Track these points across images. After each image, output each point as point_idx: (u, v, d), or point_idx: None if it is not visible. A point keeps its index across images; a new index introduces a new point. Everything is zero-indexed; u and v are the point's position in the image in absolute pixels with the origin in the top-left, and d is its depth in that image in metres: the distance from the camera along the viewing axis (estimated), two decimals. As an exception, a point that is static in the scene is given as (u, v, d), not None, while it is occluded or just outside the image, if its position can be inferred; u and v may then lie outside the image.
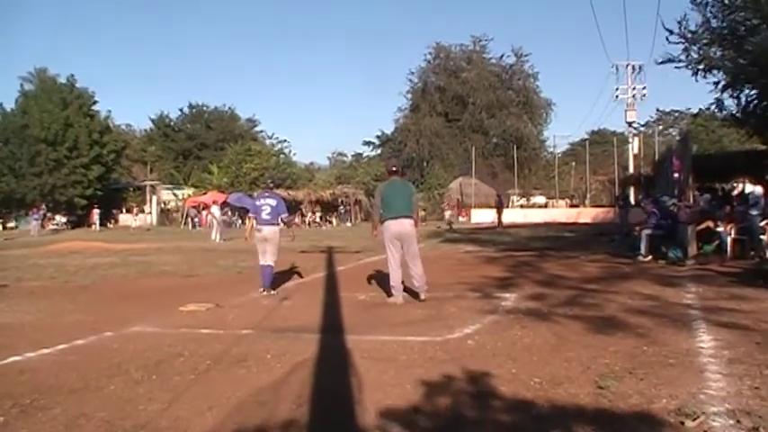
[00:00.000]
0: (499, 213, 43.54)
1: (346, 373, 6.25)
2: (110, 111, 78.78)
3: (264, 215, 12.64)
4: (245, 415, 5.11)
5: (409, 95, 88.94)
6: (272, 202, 12.82)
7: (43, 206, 56.77)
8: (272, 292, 12.38)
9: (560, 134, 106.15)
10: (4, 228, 60.45)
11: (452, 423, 4.84)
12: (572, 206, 66.72)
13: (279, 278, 13.26)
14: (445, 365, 6.37)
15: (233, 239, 31.58)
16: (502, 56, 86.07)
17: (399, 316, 9.61)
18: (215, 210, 37.67)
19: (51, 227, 58.81)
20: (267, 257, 12.57)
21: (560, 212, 59.52)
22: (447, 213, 50.96)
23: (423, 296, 10.83)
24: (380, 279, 13.29)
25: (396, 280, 10.86)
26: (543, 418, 4.85)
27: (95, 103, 69.18)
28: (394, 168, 11.54)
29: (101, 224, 59.39)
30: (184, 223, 60.09)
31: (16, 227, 60.87)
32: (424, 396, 5.40)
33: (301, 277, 14.91)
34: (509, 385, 5.66)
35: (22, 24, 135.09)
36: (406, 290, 11.01)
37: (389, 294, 11.07)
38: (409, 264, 10.85)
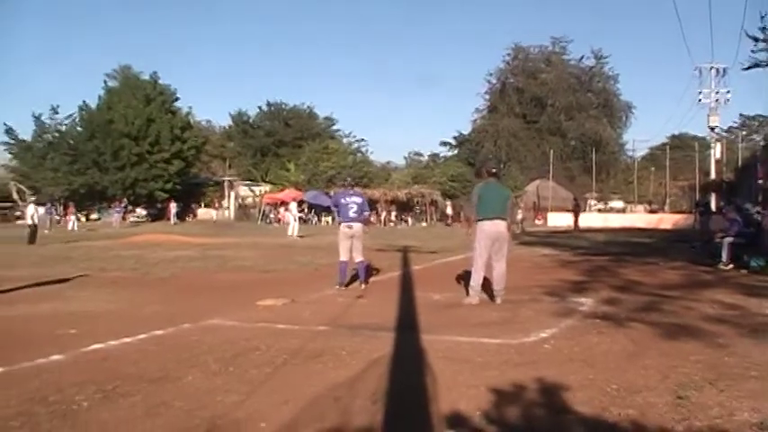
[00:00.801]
0: (576, 217, 43.16)
1: (421, 373, 6.25)
2: (191, 107, 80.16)
3: (351, 213, 12.75)
4: (320, 409, 5.15)
5: (487, 96, 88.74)
6: (358, 200, 12.99)
7: (124, 200, 58.17)
8: (363, 286, 12.83)
9: (640, 138, 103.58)
10: (88, 219, 62.04)
11: (528, 428, 4.79)
12: (651, 212, 65.33)
13: (354, 276, 13.29)
14: (521, 369, 6.33)
15: (311, 236, 31.86)
16: (582, 57, 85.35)
17: (475, 317, 9.56)
18: (292, 206, 37.97)
19: (132, 219, 60.24)
20: (353, 254, 12.81)
21: (638, 217, 58.45)
22: (519, 215, 50.23)
23: (499, 300, 10.78)
24: (456, 280, 13.29)
25: (477, 281, 10.81)
26: (621, 429, 4.76)
27: (177, 99, 70.68)
28: (494, 170, 11.63)
29: (179, 218, 60.54)
30: (261, 219, 60.83)
31: (99, 218, 62.38)
32: (498, 399, 5.36)
33: (376, 273, 14.92)
34: (586, 391, 5.58)
35: (107, 22, 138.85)
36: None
37: (467, 294, 11.03)
38: (494, 265, 10.83)
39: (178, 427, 4.75)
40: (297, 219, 36.21)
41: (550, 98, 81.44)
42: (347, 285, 12.69)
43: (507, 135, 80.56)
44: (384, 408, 5.17)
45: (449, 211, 58.89)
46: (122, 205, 57.16)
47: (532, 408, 5.18)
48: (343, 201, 12.91)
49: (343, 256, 12.75)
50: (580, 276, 14.57)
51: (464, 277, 13.11)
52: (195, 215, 69.52)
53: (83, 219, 58.12)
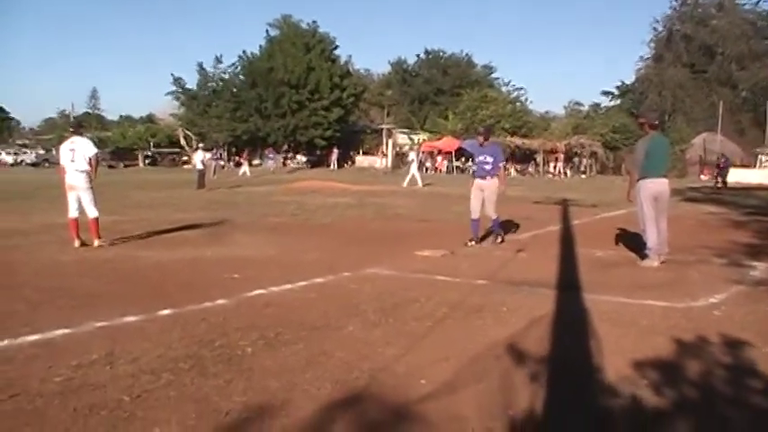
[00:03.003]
0: (720, 173, 41.32)
1: (584, 335, 6.02)
2: (350, 56, 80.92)
3: (486, 168, 12.19)
4: (480, 368, 5.04)
5: (652, 44, 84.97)
6: (492, 154, 12.31)
7: (277, 147, 59.60)
8: (500, 240, 12.41)
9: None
10: (250, 165, 64.15)
11: (700, 401, 4.51)
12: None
13: (511, 231, 13.04)
14: (689, 335, 5.97)
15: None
16: (758, 1, 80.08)
17: (639, 278, 9.17)
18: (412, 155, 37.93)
19: (292, 165, 61.79)
20: (487, 209, 12.23)
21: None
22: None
23: (663, 258, 10.22)
24: (619, 236, 12.85)
25: (653, 241, 10.17)
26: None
27: (336, 48, 71.63)
28: (656, 122, 11.01)
29: (337, 165, 61.66)
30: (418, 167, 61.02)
31: (260, 164, 64.30)
32: (666, 368, 5.08)
33: (515, 230, 14.57)
34: (763, 365, 5.19)
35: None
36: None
37: (641, 256, 10.44)
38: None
39: (338, 378, 4.74)
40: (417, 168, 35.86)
41: (721, 46, 77.15)
42: (480, 241, 12.34)
43: (673, 85, 77.08)
44: (546, 371, 5.00)
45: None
46: (275, 152, 58.78)
47: (703, 379, 4.87)
48: (479, 158, 12.33)
49: (475, 214, 12.24)
50: (752, 238, 13.63)
51: (627, 235, 12.66)
52: (353, 162, 70.55)
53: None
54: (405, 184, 33.44)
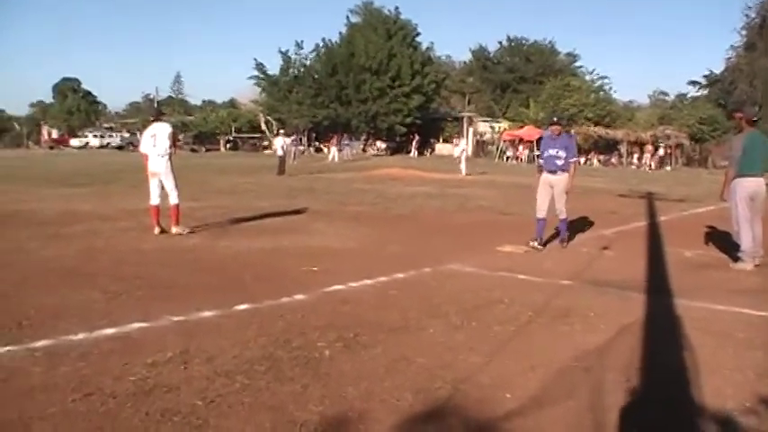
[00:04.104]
0: None
1: (678, 346, 5.68)
2: (432, 43, 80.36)
3: (556, 162, 11.20)
4: (569, 381, 4.79)
5: (744, 32, 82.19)
6: (565, 146, 11.28)
7: (345, 135, 59.59)
8: (565, 244, 11.38)
9: None
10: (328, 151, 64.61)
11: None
12: None
13: (596, 226, 12.60)
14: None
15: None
16: None
17: (732, 282, 8.75)
18: (460, 146, 37.65)
19: (371, 152, 61.94)
20: (557, 207, 11.26)
21: None
22: None
23: (758, 261, 9.72)
24: (708, 235, 12.34)
25: (747, 243, 9.69)
26: None
27: (418, 34, 71.52)
28: (755, 118, 10.34)
29: (418, 152, 61.55)
30: (499, 156, 60.49)
31: (341, 150, 64.57)
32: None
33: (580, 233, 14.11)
34: None
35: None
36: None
37: (734, 259, 9.95)
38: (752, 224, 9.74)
39: (420, 388, 4.53)
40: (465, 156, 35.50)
41: (819, 34, 74.43)
42: (545, 244, 11.24)
43: (765, 75, 74.55)
44: (639, 387, 4.70)
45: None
46: (351, 139, 59.07)
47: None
48: (548, 153, 11.32)
49: (541, 213, 11.22)
50: None
51: (717, 235, 12.15)
52: (433, 150, 70.30)
53: (324, 150, 60.40)
54: (463, 173, 33.13)
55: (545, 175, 11.32)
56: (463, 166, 33.82)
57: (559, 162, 11.17)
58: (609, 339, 5.80)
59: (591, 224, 13.61)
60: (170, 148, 11.55)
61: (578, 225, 12.58)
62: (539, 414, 4.19)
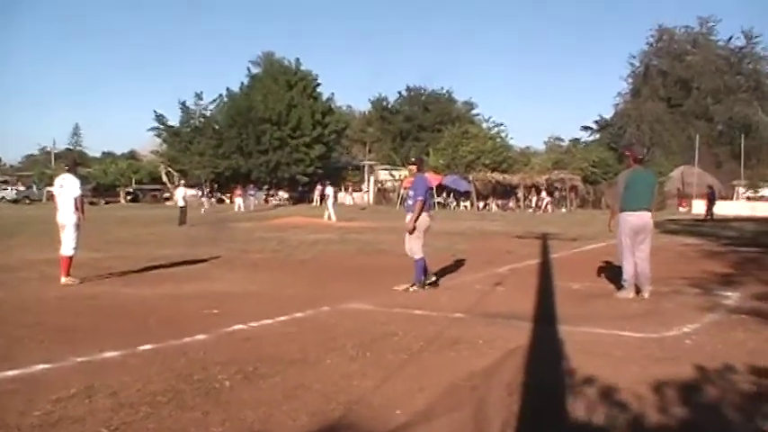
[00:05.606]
0: (709, 205, 41.93)
1: (559, 366, 6.11)
2: (332, 93, 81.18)
3: (410, 202, 11.07)
4: (455, 398, 5.13)
5: (630, 80, 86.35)
6: (413, 190, 11.04)
7: (250, 186, 59.68)
8: (413, 288, 10.82)
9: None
10: (231, 202, 64.31)
11: (678, 427, 4.61)
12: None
13: (491, 265, 13.07)
14: (662, 365, 6.08)
15: (450, 219, 31.79)
16: (730, 38, 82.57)
17: (614, 309, 9.30)
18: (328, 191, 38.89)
19: (274, 202, 61.99)
20: (405, 247, 11.22)
21: (792, 207, 55.18)
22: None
23: (647, 294, 10.22)
24: (598, 269, 12.99)
25: (629, 273, 10.24)
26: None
27: (319, 85, 72.04)
28: (641, 156, 10.89)
29: (320, 202, 61.95)
30: (400, 203, 61.22)
31: (246, 200, 64.47)
32: (639, 397, 5.15)
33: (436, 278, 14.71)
34: (721, 392, 5.34)
35: (251, 10, 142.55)
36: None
37: (617, 287, 10.56)
38: (638, 257, 10.23)
39: (315, 410, 4.82)
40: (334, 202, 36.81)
41: (696, 81, 78.72)
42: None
43: (651, 119, 78.25)
44: (521, 400, 5.09)
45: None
46: (256, 189, 59.23)
47: (673, 408, 4.95)
48: (407, 189, 10.99)
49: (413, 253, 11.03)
50: (726, 268, 13.84)
51: (605, 268, 12.83)
52: (336, 199, 70.59)
53: (227, 201, 60.23)
54: (332, 219, 33.96)
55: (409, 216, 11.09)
56: (332, 212, 34.68)
57: (410, 202, 11.06)
58: (495, 362, 6.19)
59: (487, 263, 14.14)
60: (75, 211, 11.38)
61: (473, 264, 13.07)
62: (427, 426, 4.53)
